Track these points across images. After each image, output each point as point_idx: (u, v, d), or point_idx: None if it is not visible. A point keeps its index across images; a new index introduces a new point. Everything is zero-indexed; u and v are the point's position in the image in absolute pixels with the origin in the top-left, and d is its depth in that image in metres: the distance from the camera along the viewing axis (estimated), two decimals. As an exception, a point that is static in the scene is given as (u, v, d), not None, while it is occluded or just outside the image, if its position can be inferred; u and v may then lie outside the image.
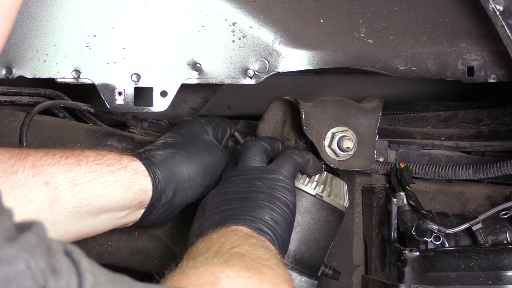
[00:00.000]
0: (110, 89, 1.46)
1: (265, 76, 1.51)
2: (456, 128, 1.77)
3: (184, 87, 1.52)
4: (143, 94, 1.51)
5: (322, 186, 1.53)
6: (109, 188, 1.33)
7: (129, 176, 1.36)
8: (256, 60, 1.50)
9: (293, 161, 1.44)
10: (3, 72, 1.42)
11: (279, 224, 1.36)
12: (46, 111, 1.62)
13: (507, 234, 1.55)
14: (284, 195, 1.38)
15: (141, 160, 1.38)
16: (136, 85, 1.46)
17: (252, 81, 1.50)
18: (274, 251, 1.31)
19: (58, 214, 1.30)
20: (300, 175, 1.53)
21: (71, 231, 1.34)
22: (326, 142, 1.54)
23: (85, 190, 1.31)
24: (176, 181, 1.42)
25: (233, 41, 1.49)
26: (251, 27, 1.48)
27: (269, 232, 1.34)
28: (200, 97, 1.87)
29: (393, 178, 1.67)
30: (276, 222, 1.35)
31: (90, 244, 1.72)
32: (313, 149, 1.58)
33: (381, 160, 1.71)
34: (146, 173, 1.37)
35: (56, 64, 1.43)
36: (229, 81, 1.50)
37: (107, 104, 1.45)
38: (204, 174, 1.45)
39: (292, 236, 1.51)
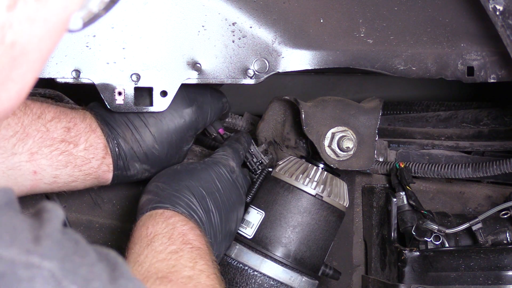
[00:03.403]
0: (110, 89, 1.45)
1: (265, 76, 1.50)
2: (456, 128, 1.77)
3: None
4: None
5: (322, 186, 1.53)
6: (76, 187, 1.51)
7: (96, 182, 1.52)
8: (256, 60, 1.50)
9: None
10: (3, 72, 1.42)
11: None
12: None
13: (507, 234, 1.55)
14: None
15: (114, 171, 1.50)
16: (136, 85, 1.46)
17: (252, 81, 1.50)
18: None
19: (30, 194, 1.48)
20: (300, 175, 1.53)
21: None
22: (326, 142, 1.54)
23: (59, 186, 1.48)
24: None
25: (233, 41, 1.48)
26: (251, 27, 1.48)
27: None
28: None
29: (393, 178, 1.67)
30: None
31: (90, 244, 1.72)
32: (313, 149, 1.58)
33: (381, 160, 1.71)
34: (111, 180, 1.52)
35: (56, 64, 1.43)
36: (229, 81, 1.50)
37: (107, 104, 1.45)
38: None
39: (292, 236, 1.51)
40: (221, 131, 1.66)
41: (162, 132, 1.52)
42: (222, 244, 1.47)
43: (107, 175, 1.51)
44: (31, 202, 1.68)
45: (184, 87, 1.53)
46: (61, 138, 1.44)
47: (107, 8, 0.83)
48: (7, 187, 0.78)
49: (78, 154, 1.46)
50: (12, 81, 0.78)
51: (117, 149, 1.49)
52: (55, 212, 0.79)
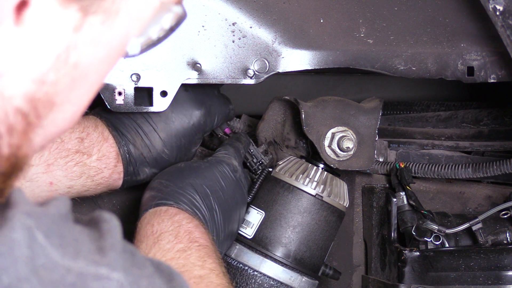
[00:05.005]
0: (110, 89, 1.45)
1: (265, 76, 1.50)
2: (456, 128, 1.77)
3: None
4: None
5: (322, 186, 1.53)
6: (88, 195, 1.52)
7: (105, 190, 1.53)
8: (256, 60, 1.50)
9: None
10: (3, 72, 1.42)
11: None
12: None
13: (507, 234, 1.55)
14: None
15: (124, 177, 1.51)
16: (136, 85, 1.46)
17: (252, 81, 1.50)
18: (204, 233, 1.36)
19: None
20: (301, 175, 1.53)
21: None
22: (326, 142, 1.54)
23: (72, 196, 1.48)
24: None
25: (233, 41, 1.48)
26: (251, 27, 1.48)
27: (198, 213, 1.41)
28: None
29: (393, 178, 1.67)
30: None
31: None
32: (313, 149, 1.58)
33: (381, 160, 1.71)
34: (120, 186, 1.54)
35: (56, 64, 1.43)
36: (229, 81, 1.50)
37: (107, 104, 1.45)
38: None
39: (292, 236, 1.51)
40: (227, 130, 1.67)
41: (171, 136, 1.52)
42: (224, 243, 1.47)
43: (118, 182, 1.52)
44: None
45: (192, 89, 1.53)
46: (76, 148, 1.46)
47: (166, 35, 0.85)
48: (65, 197, 0.79)
49: (92, 164, 1.47)
50: (69, 102, 0.79)
51: (127, 156, 1.50)
52: (114, 222, 0.79)
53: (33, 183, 1.42)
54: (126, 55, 0.84)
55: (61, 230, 0.73)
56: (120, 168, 1.50)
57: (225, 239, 1.46)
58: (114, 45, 0.79)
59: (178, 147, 1.54)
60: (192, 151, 1.57)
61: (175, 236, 1.31)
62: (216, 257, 1.31)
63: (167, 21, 0.84)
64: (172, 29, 0.84)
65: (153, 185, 1.46)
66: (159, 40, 0.85)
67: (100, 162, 1.48)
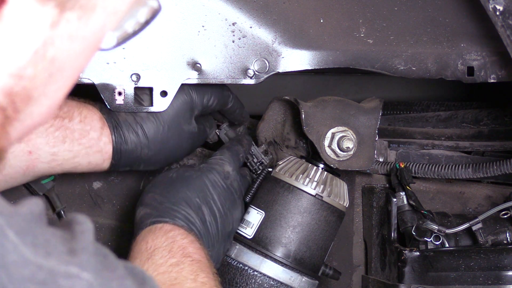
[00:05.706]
0: (110, 89, 1.46)
1: (265, 76, 1.50)
2: (456, 128, 1.77)
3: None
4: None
5: (322, 186, 1.53)
6: (79, 165, 1.46)
7: (99, 158, 1.47)
8: (256, 60, 1.50)
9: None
10: (3, 72, 1.41)
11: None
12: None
13: (507, 234, 1.55)
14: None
15: (113, 144, 1.47)
16: (136, 85, 1.46)
17: (252, 81, 1.50)
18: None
19: (27, 177, 1.44)
20: (301, 175, 1.53)
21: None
22: (326, 142, 1.54)
23: (59, 164, 1.44)
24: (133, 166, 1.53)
25: (233, 41, 1.49)
26: (251, 27, 1.48)
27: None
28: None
29: (393, 178, 1.67)
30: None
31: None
32: (313, 149, 1.58)
33: (381, 160, 1.71)
34: (111, 155, 1.48)
35: (56, 64, 1.43)
36: (229, 81, 1.50)
37: (107, 104, 1.45)
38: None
39: (292, 236, 1.51)
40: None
41: None
42: (220, 249, 1.47)
43: (108, 147, 1.47)
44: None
45: None
46: (55, 114, 1.40)
47: (141, 28, 0.86)
48: (38, 199, 0.79)
49: (75, 127, 1.43)
50: (46, 96, 0.80)
51: (112, 120, 1.47)
52: (87, 225, 0.80)
53: (9, 154, 1.39)
54: (102, 49, 0.85)
55: (33, 229, 0.74)
56: (107, 130, 1.46)
57: (220, 245, 1.47)
58: (90, 40, 0.80)
59: (163, 116, 1.50)
60: (184, 128, 1.53)
61: (168, 251, 1.30)
62: (210, 272, 1.31)
63: (143, 15, 0.85)
64: (147, 22, 0.86)
65: (146, 201, 1.44)
66: (135, 33, 0.86)
67: (84, 124, 1.45)
